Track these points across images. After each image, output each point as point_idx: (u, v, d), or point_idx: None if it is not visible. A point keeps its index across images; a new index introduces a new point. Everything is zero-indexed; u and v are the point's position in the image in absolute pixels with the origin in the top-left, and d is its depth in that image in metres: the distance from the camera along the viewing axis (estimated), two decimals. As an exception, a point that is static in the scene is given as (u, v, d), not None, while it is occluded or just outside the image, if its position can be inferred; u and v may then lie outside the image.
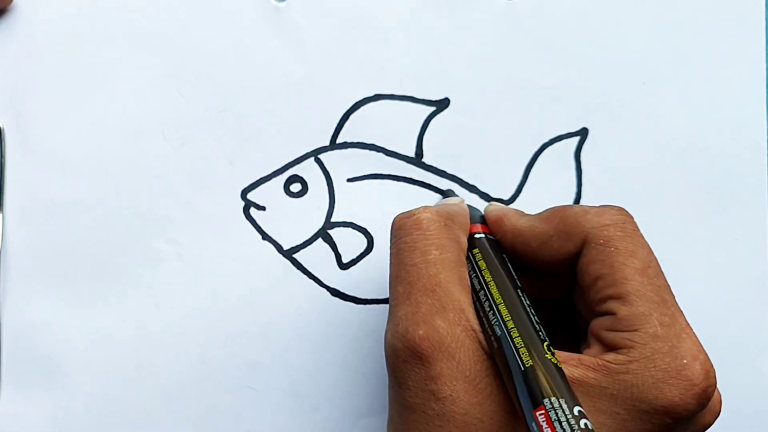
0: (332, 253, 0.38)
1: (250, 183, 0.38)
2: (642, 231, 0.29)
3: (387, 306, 0.37)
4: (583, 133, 0.38)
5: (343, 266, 0.38)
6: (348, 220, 0.38)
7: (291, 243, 0.38)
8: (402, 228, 0.30)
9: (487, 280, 0.29)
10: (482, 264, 0.30)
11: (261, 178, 0.38)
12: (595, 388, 0.27)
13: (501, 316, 0.28)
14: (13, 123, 0.37)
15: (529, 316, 0.28)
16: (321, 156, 0.38)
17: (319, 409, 0.37)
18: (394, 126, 0.38)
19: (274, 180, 0.38)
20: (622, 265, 0.28)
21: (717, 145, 0.38)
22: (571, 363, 0.27)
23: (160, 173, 0.37)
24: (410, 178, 0.38)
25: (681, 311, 0.29)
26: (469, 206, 0.34)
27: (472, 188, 0.38)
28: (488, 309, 0.28)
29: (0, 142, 0.37)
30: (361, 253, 0.38)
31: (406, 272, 0.29)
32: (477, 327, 0.28)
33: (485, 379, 0.27)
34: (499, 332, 0.27)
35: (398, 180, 0.38)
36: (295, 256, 0.38)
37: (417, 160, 0.38)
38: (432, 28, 0.38)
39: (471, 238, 0.31)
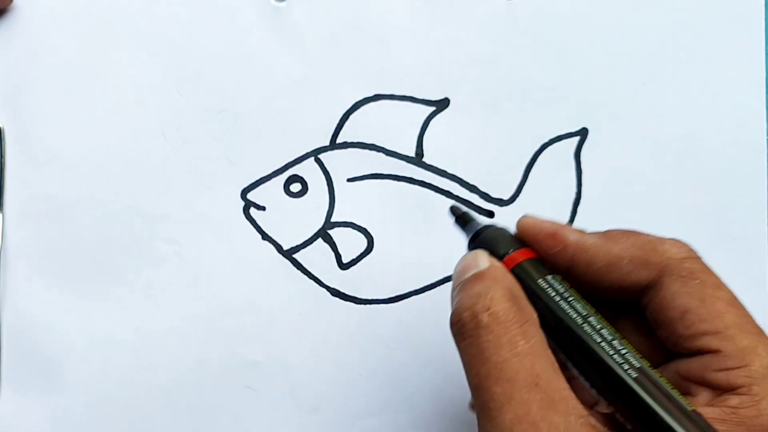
0: (332, 253, 0.38)
1: (250, 183, 0.38)
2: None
3: (387, 306, 0.37)
4: (583, 133, 0.38)
5: (343, 266, 0.38)
6: (348, 220, 0.38)
7: (291, 243, 0.38)
8: (480, 325, 0.27)
9: (565, 325, 0.27)
10: (560, 305, 0.27)
11: (261, 178, 0.38)
12: None
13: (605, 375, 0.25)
14: (13, 123, 0.37)
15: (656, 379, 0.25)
16: (321, 156, 0.38)
17: (318, 410, 0.37)
18: (394, 126, 0.38)
19: (274, 180, 0.38)
20: (713, 298, 0.26)
21: (717, 145, 0.38)
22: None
23: (160, 173, 0.37)
24: (410, 178, 0.38)
25: None
26: (486, 228, 0.30)
27: (472, 188, 0.38)
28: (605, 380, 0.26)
29: (0, 142, 0.37)
30: (361, 253, 0.38)
31: (499, 370, 0.26)
32: (585, 411, 0.26)
33: None
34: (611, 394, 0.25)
35: (398, 180, 0.38)
36: (295, 256, 0.38)
37: (417, 160, 0.38)
38: (432, 28, 0.38)
39: (514, 271, 0.28)
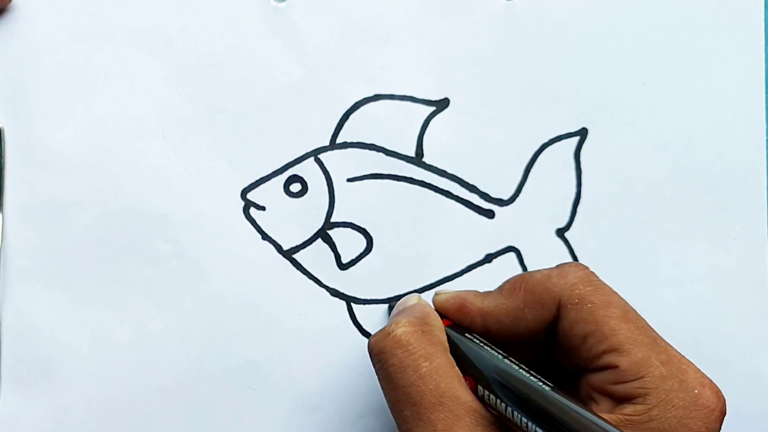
0: (332, 254, 0.38)
1: (250, 183, 0.38)
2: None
3: (386, 306, 0.37)
4: (582, 133, 0.38)
5: (343, 266, 0.38)
6: (348, 220, 0.38)
7: (291, 243, 0.38)
8: (383, 350, 0.30)
9: (479, 366, 0.29)
10: (471, 352, 0.30)
11: (261, 178, 0.38)
12: None
13: (512, 397, 0.28)
14: (13, 123, 0.37)
15: (536, 383, 0.28)
16: (321, 156, 0.38)
17: (318, 409, 0.37)
18: (394, 126, 0.38)
19: (274, 180, 0.38)
20: (606, 318, 0.29)
21: (717, 145, 0.38)
22: None
23: (160, 173, 0.37)
24: (410, 178, 0.38)
25: (669, 343, 0.29)
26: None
27: (472, 188, 0.38)
28: (496, 395, 0.28)
29: (0, 142, 0.37)
30: (361, 253, 0.38)
31: (407, 394, 0.28)
32: (493, 420, 0.28)
33: None
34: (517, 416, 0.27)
35: (398, 180, 0.38)
36: (294, 256, 0.38)
37: (417, 160, 0.38)
38: (432, 29, 0.38)
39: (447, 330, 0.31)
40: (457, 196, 0.38)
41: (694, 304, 0.38)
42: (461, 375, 0.29)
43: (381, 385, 0.30)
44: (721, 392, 0.28)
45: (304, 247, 0.38)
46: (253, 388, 0.37)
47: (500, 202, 0.38)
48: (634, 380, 0.28)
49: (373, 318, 0.37)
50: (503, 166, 0.38)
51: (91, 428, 0.37)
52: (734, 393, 0.37)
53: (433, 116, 0.38)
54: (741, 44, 0.38)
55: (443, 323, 0.32)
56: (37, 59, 0.37)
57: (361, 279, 0.37)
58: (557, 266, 0.31)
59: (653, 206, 0.38)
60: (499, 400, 0.28)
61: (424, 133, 0.38)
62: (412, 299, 0.33)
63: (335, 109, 0.38)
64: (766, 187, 0.38)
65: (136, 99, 0.37)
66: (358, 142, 0.38)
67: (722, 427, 0.30)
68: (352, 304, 0.37)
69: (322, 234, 0.38)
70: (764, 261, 0.38)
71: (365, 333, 0.37)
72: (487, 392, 0.29)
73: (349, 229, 0.38)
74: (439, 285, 0.37)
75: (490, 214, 0.38)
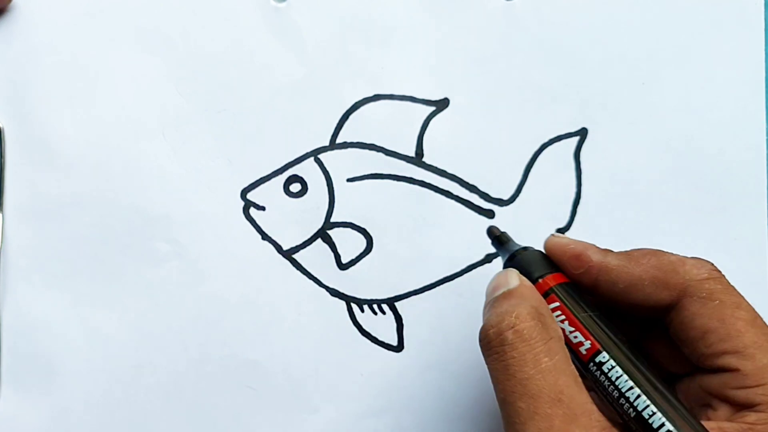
0: (332, 254, 0.38)
1: (250, 183, 0.38)
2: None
3: (386, 306, 0.37)
4: (582, 133, 0.38)
5: (343, 266, 0.38)
6: (347, 220, 0.38)
7: (291, 243, 0.38)
8: (504, 342, 0.28)
9: (612, 360, 0.28)
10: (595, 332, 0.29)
11: (261, 178, 0.38)
12: None
13: (643, 401, 0.27)
14: (13, 123, 0.37)
15: (664, 390, 0.27)
16: (321, 156, 0.38)
17: (319, 410, 0.37)
18: (394, 126, 0.38)
19: (273, 180, 0.38)
20: (733, 318, 0.28)
21: (717, 145, 0.38)
22: None
23: (160, 173, 0.37)
24: (410, 178, 0.38)
25: None
26: (523, 249, 0.32)
27: (472, 188, 0.38)
28: (624, 396, 0.27)
29: (0, 142, 0.37)
30: (361, 253, 0.38)
31: (524, 387, 0.28)
32: (607, 423, 0.27)
33: None
34: (641, 414, 0.27)
35: (398, 180, 0.38)
36: (294, 256, 0.38)
37: (417, 160, 0.38)
38: (431, 29, 0.38)
39: (551, 293, 0.30)
40: (457, 196, 0.38)
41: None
42: (577, 373, 0.28)
43: (493, 375, 0.29)
44: None
45: (304, 247, 0.38)
46: (253, 388, 0.37)
47: (500, 202, 0.38)
48: (757, 386, 0.27)
49: (373, 318, 0.37)
50: (503, 166, 0.38)
51: (91, 428, 0.37)
52: (734, 393, 0.37)
53: (433, 116, 0.38)
54: (741, 44, 0.38)
55: (554, 278, 0.30)
56: (37, 59, 0.37)
57: (361, 279, 0.37)
58: (694, 258, 0.30)
59: (653, 206, 0.38)
60: (605, 378, 0.28)
61: (424, 133, 0.38)
62: (513, 278, 0.31)
63: (335, 109, 0.38)
64: (766, 187, 0.38)
65: (136, 99, 0.37)
66: (357, 142, 0.38)
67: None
68: (352, 304, 0.37)
69: (322, 234, 0.38)
70: (764, 261, 0.38)
71: (365, 333, 0.37)
72: (600, 364, 0.28)
73: (349, 229, 0.38)
74: (439, 285, 0.37)
75: (490, 214, 0.38)
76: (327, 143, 0.38)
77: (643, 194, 0.38)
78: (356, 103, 0.38)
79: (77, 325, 0.37)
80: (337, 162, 0.38)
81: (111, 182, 0.37)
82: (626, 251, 0.30)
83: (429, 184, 0.38)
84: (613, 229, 0.38)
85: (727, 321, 0.28)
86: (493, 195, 0.38)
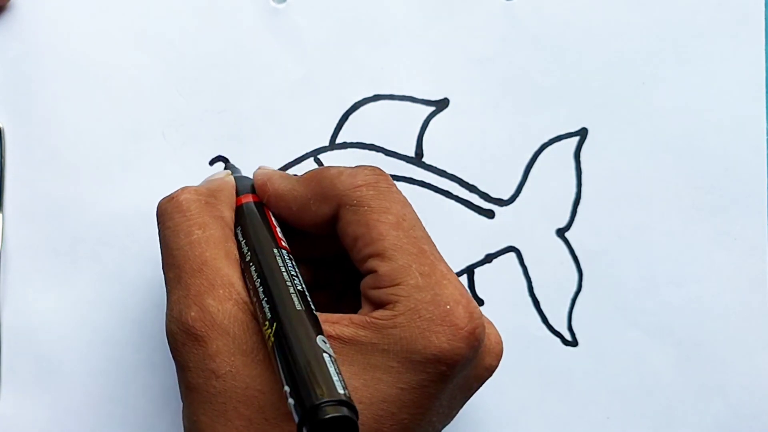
0: (332, 253, 0.38)
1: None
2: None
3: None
4: (582, 133, 0.38)
5: (343, 266, 0.38)
6: (348, 220, 0.38)
7: (291, 243, 0.38)
8: (164, 213, 0.30)
9: (249, 248, 0.29)
10: (246, 233, 0.30)
11: (261, 178, 0.38)
12: (366, 345, 0.27)
13: (260, 282, 0.28)
14: (13, 123, 0.37)
15: (283, 276, 0.28)
16: (321, 156, 0.38)
17: (318, 409, 0.37)
18: (394, 126, 0.38)
19: (273, 180, 0.38)
20: (377, 222, 0.28)
21: (717, 145, 0.38)
22: (342, 323, 0.27)
23: (160, 173, 0.37)
24: (410, 178, 0.38)
25: (442, 259, 0.29)
26: (241, 177, 0.34)
27: (472, 188, 0.38)
28: (254, 278, 0.28)
29: (0, 142, 0.37)
30: (361, 253, 0.38)
31: (173, 257, 0.29)
32: (248, 299, 0.28)
33: (263, 350, 0.27)
34: (260, 298, 0.28)
35: (398, 180, 0.38)
36: (294, 256, 0.38)
37: (417, 160, 0.38)
38: (431, 29, 0.38)
39: (239, 209, 0.32)
40: (457, 196, 0.38)
41: (694, 304, 0.38)
42: (236, 253, 0.30)
43: (160, 249, 0.30)
44: (477, 314, 0.27)
45: (304, 247, 0.38)
46: (253, 388, 0.37)
47: (500, 202, 0.38)
48: (389, 287, 0.27)
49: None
50: (503, 166, 0.38)
51: (91, 428, 0.37)
52: (734, 393, 0.37)
53: (433, 116, 0.38)
54: (741, 44, 0.38)
55: (246, 198, 0.32)
56: (37, 59, 0.37)
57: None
58: (356, 167, 0.31)
59: (653, 206, 0.38)
60: (255, 284, 0.28)
61: (423, 133, 0.38)
62: (221, 174, 0.33)
63: (335, 110, 0.38)
64: (766, 187, 0.38)
65: (136, 99, 0.37)
66: (357, 143, 0.38)
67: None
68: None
69: (322, 234, 0.38)
70: (764, 261, 0.38)
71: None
72: (252, 273, 0.29)
73: (349, 229, 0.38)
74: (439, 285, 0.37)
75: (490, 214, 0.38)
76: (327, 143, 0.38)
77: (643, 194, 0.38)
78: (356, 103, 0.38)
79: (77, 325, 0.37)
80: (337, 162, 0.38)
81: (111, 182, 0.37)
82: (302, 174, 0.31)
83: (429, 184, 0.38)
84: (613, 229, 0.38)
85: (372, 225, 0.28)
86: (493, 195, 0.38)
